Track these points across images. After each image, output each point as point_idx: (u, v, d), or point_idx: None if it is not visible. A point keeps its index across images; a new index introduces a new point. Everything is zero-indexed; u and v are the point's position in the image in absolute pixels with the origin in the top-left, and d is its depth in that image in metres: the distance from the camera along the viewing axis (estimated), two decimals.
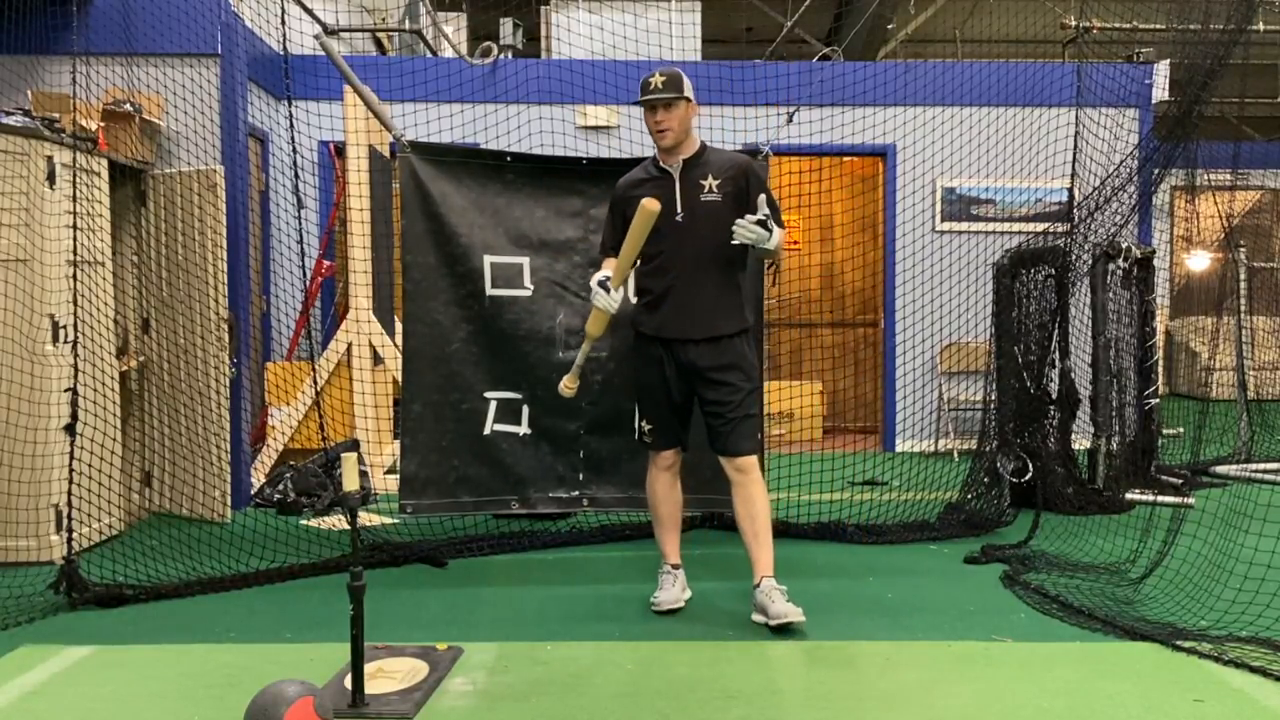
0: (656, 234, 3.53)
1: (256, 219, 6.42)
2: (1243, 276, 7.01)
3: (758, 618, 3.54)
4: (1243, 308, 7.01)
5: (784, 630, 3.44)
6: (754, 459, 3.66)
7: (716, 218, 3.56)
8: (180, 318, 5.23)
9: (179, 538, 4.78)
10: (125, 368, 5.14)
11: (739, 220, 3.48)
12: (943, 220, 7.28)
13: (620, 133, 7.00)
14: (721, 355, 3.61)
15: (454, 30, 8.46)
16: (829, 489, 5.43)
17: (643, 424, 3.78)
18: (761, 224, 3.48)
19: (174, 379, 5.28)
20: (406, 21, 8.12)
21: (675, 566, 3.84)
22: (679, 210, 3.59)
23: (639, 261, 3.66)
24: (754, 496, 3.63)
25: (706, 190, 3.59)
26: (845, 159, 7.72)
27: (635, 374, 3.83)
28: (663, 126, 3.57)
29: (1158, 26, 7.25)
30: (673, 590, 3.77)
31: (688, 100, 3.58)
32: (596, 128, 7.13)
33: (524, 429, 4.41)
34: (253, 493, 5.64)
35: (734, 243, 3.49)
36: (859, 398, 7.83)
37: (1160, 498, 5.01)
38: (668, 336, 3.63)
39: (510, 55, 7.34)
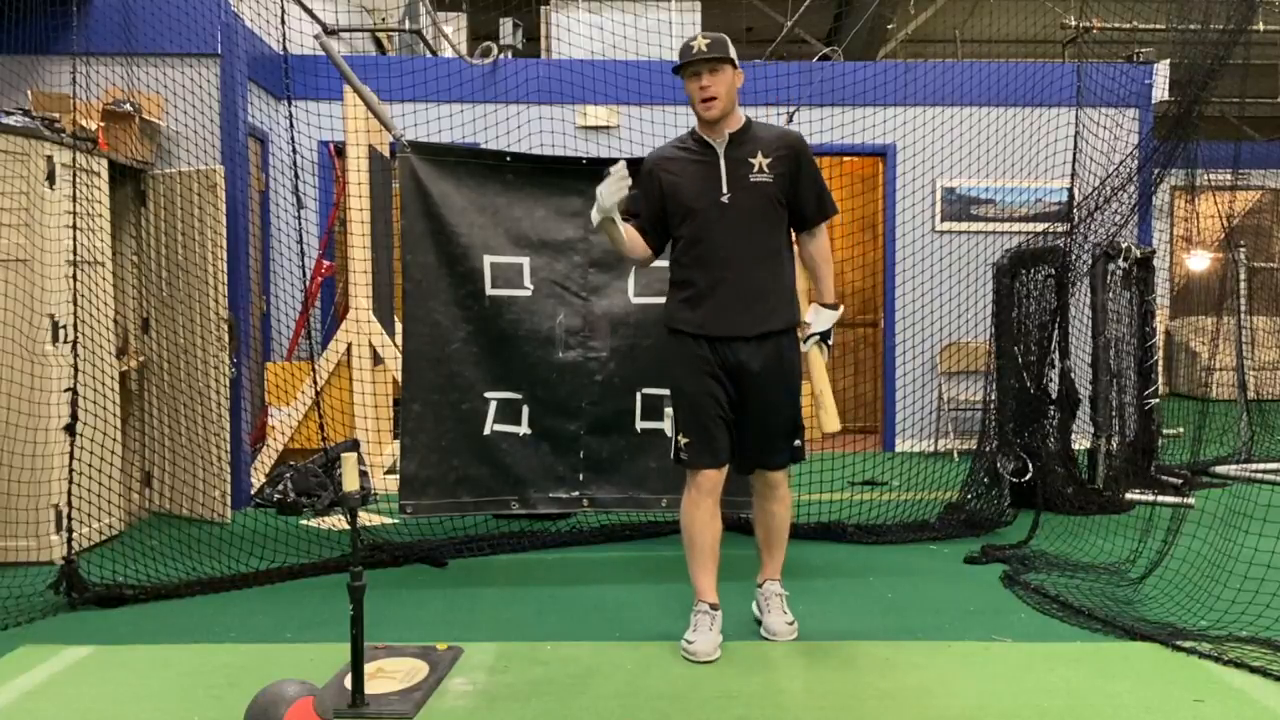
0: (698, 219, 3.28)
1: (256, 219, 6.42)
2: (1243, 276, 7.01)
3: (756, 614, 3.55)
4: (1243, 308, 7.01)
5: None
6: (784, 474, 3.44)
7: (766, 200, 3.27)
8: (180, 318, 5.23)
9: (179, 538, 4.78)
10: (125, 368, 5.14)
11: (809, 322, 3.40)
12: (943, 220, 7.28)
13: (620, 133, 7.00)
14: (771, 355, 3.30)
15: (454, 30, 8.45)
16: (829, 489, 5.43)
17: (680, 438, 3.34)
18: (825, 336, 3.42)
19: (174, 379, 5.28)
20: (406, 21, 8.12)
21: (713, 606, 3.36)
22: (724, 190, 3.26)
23: (675, 246, 3.38)
24: (776, 513, 3.46)
25: (756, 169, 3.26)
26: (845, 159, 7.72)
27: (672, 381, 3.42)
28: (709, 94, 3.21)
29: (1158, 26, 7.25)
30: (710, 635, 3.29)
31: (734, 65, 3.25)
32: (596, 128, 7.13)
33: (524, 429, 4.41)
34: (253, 493, 5.64)
35: (812, 334, 3.40)
36: (859, 398, 7.82)
37: (1160, 498, 5.01)
38: (716, 334, 3.28)
39: (510, 55, 7.34)
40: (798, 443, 3.47)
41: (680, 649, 3.31)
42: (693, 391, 3.33)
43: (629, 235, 3.34)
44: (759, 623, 3.52)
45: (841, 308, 3.47)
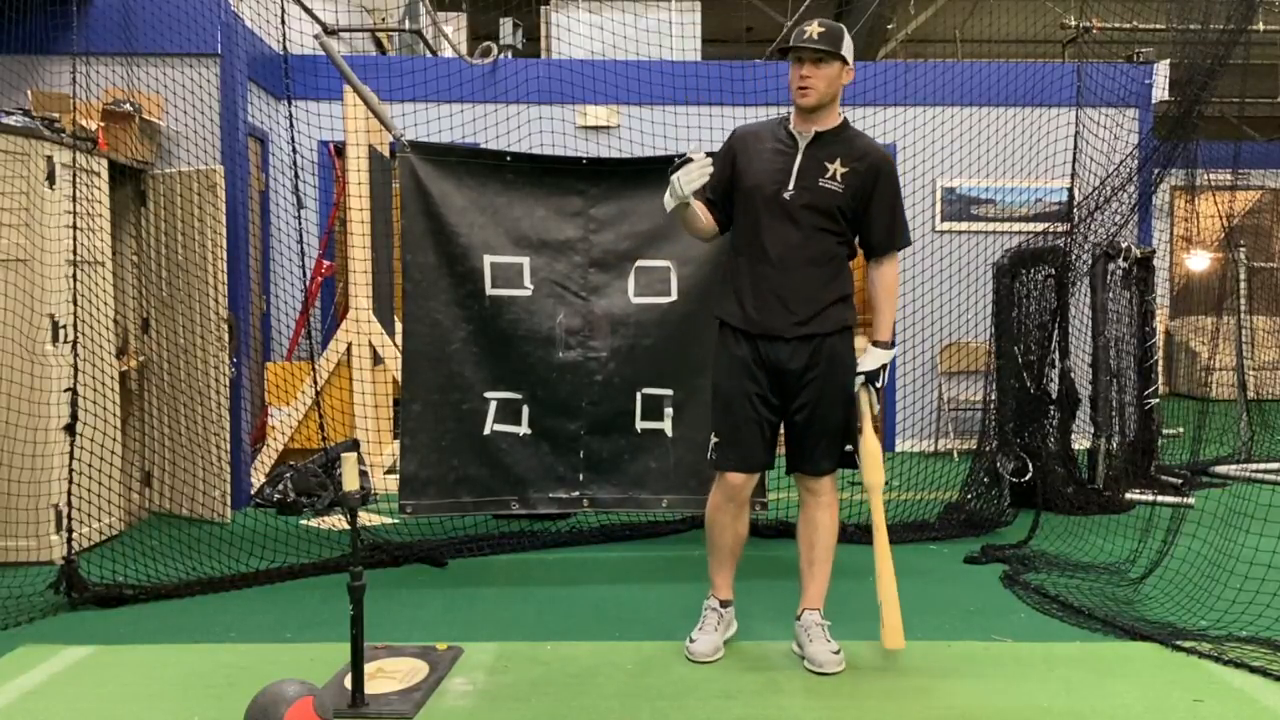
0: (757, 207, 3.16)
1: (256, 219, 6.42)
2: (1243, 276, 7.01)
3: (796, 649, 3.29)
4: (1243, 308, 7.01)
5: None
6: (830, 480, 3.28)
7: (829, 207, 3.13)
8: (180, 318, 5.23)
9: (179, 538, 4.78)
10: (125, 368, 5.14)
11: (857, 385, 3.21)
12: (943, 220, 7.28)
13: (620, 133, 7.00)
14: (814, 357, 3.16)
15: (454, 30, 8.45)
16: None
17: (712, 436, 3.27)
18: (871, 377, 3.22)
19: (174, 379, 5.27)
20: (406, 21, 8.12)
21: (725, 603, 3.36)
22: (790, 186, 3.12)
23: (733, 233, 3.25)
24: (820, 522, 3.27)
25: (829, 175, 3.12)
26: None
27: (713, 377, 3.32)
28: (807, 83, 3.06)
29: (1158, 26, 7.25)
30: (714, 636, 3.29)
31: (844, 63, 3.09)
32: (596, 128, 7.12)
33: (524, 429, 4.41)
34: (253, 493, 5.64)
35: (860, 373, 3.22)
36: None
37: (1160, 498, 5.01)
38: (755, 331, 3.17)
39: (510, 55, 7.34)
40: (849, 448, 3.29)
41: (685, 647, 3.31)
42: (728, 392, 3.24)
43: (701, 213, 3.24)
44: (801, 656, 3.24)
45: (895, 349, 3.30)
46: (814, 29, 3.07)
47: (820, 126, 3.16)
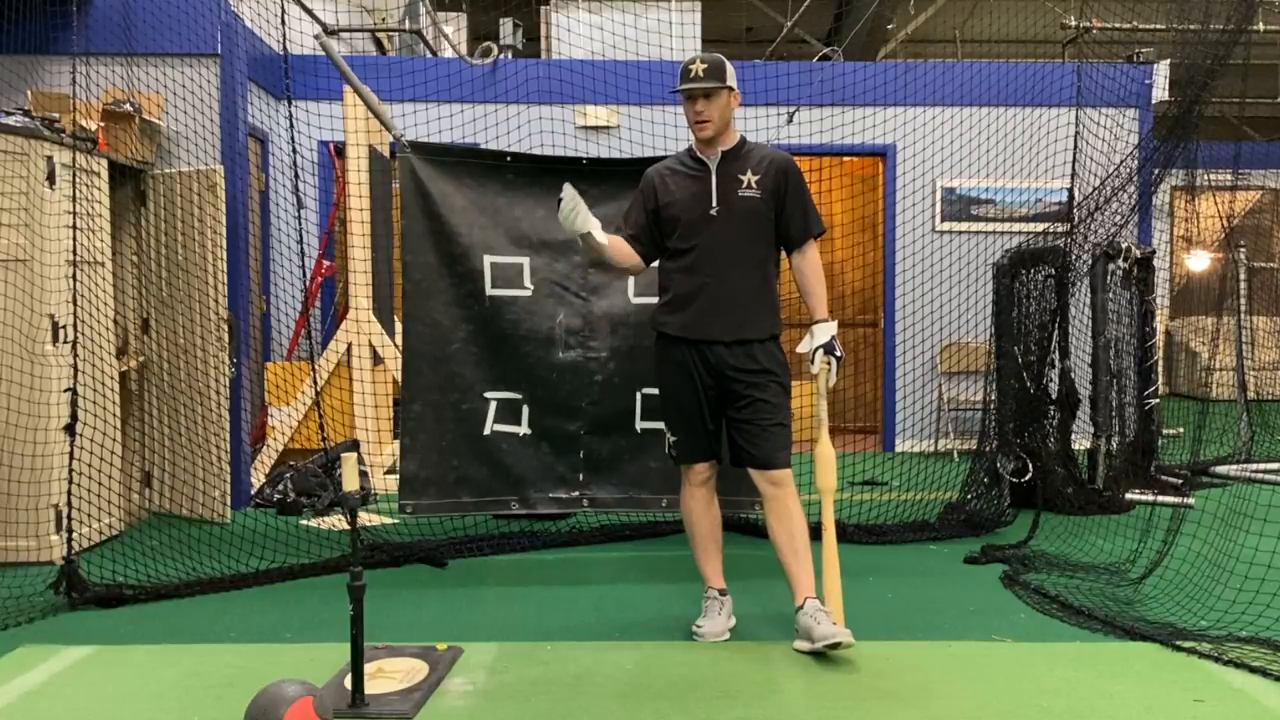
0: (688, 229, 3.39)
1: (256, 219, 6.42)
2: (1243, 276, 7.01)
3: (801, 645, 3.29)
4: (1243, 308, 7.01)
5: (834, 648, 3.19)
6: (789, 472, 3.40)
7: (753, 214, 3.40)
8: (180, 318, 5.23)
9: (179, 538, 4.78)
10: (125, 368, 5.14)
11: (818, 362, 3.43)
12: (943, 220, 7.28)
13: (620, 133, 7.00)
14: (752, 359, 3.38)
15: (454, 30, 8.46)
16: None
17: (669, 435, 3.50)
18: (828, 348, 3.43)
19: (174, 379, 5.28)
20: (406, 21, 8.12)
21: (722, 592, 3.54)
22: (714, 204, 3.39)
23: (665, 256, 3.50)
24: (791, 512, 3.38)
25: (745, 185, 3.40)
26: (845, 159, 7.72)
27: (658, 381, 3.58)
28: (703, 118, 3.34)
29: (1158, 26, 7.25)
30: (719, 619, 3.48)
31: (730, 89, 3.36)
32: (596, 128, 7.13)
33: (524, 429, 4.41)
34: (253, 493, 5.64)
35: (816, 347, 3.43)
36: (859, 398, 7.82)
37: (1160, 498, 5.01)
38: (693, 337, 3.39)
39: (510, 55, 7.34)
40: (791, 445, 3.47)
41: (691, 633, 3.45)
42: (675, 392, 3.47)
43: (613, 245, 3.42)
44: (809, 651, 3.26)
45: (835, 321, 3.52)
46: (698, 67, 3.33)
47: (724, 147, 3.44)
